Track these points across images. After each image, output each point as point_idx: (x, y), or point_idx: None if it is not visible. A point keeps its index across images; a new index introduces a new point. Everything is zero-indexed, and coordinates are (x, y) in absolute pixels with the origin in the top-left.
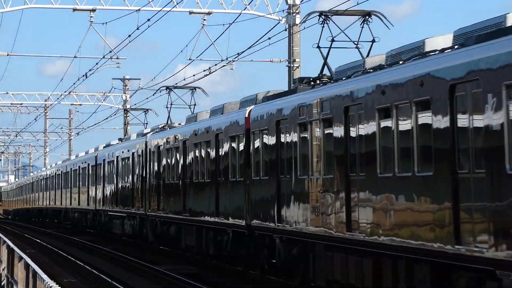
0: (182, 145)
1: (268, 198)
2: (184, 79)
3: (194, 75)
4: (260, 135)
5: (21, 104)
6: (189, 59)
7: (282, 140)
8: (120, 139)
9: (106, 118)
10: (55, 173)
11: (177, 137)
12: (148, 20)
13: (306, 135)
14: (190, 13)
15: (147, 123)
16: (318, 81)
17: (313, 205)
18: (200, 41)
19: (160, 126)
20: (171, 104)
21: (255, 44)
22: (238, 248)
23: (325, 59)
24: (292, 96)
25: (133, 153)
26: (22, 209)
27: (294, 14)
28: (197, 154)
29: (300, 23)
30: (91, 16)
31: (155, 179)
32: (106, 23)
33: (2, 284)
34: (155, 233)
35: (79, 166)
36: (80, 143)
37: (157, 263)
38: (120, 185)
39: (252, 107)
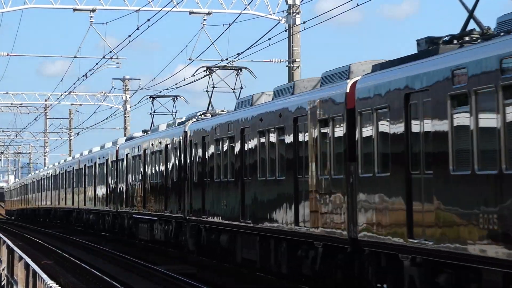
0: (240, 134)
1: (389, 203)
2: (184, 79)
3: (194, 75)
4: (373, 116)
5: (21, 104)
6: (189, 59)
7: (415, 121)
8: (145, 131)
9: (106, 118)
10: (66, 170)
11: (230, 124)
12: (148, 20)
13: (466, 111)
14: (190, 13)
15: (176, 112)
16: (466, 39)
17: (490, 218)
18: (200, 41)
19: (198, 114)
20: (213, 87)
21: (255, 44)
22: (331, 267)
23: (472, 11)
24: (434, 59)
25: (166, 146)
26: (27, 209)
27: (294, 14)
28: (263, 144)
29: None
30: (91, 16)
31: (199, 176)
32: (106, 23)
33: (2, 284)
34: (197, 241)
35: (95, 162)
36: (80, 143)
37: (157, 263)
38: (149, 184)
39: (357, 78)
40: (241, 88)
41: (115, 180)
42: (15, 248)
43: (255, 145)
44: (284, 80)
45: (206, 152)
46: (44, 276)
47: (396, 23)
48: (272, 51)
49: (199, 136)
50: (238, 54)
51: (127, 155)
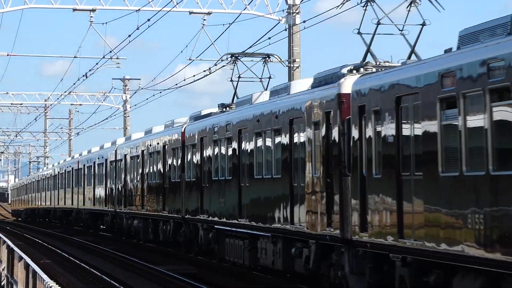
0: None
1: None
2: (184, 79)
3: (194, 75)
4: None
5: (21, 104)
6: (189, 59)
7: None
8: (223, 105)
9: (106, 118)
10: (94, 163)
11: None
12: (148, 20)
13: None
14: (190, 13)
15: (269, 77)
16: None
17: None
18: (200, 41)
19: (349, 68)
20: (379, 22)
21: (255, 44)
22: None
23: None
24: None
25: (291, 121)
26: (38, 209)
27: (294, 14)
28: None
29: None
30: (91, 16)
31: (384, 167)
32: (106, 23)
33: (2, 284)
34: (380, 281)
35: (142, 151)
36: (80, 143)
37: (157, 263)
38: (248, 180)
39: None
40: (424, 25)
41: (180, 175)
42: (15, 248)
43: None
44: (284, 80)
45: (413, 125)
46: (44, 276)
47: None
48: (272, 51)
49: (384, 100)
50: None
51: (201, 139)
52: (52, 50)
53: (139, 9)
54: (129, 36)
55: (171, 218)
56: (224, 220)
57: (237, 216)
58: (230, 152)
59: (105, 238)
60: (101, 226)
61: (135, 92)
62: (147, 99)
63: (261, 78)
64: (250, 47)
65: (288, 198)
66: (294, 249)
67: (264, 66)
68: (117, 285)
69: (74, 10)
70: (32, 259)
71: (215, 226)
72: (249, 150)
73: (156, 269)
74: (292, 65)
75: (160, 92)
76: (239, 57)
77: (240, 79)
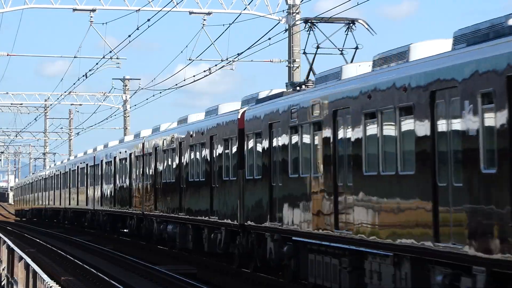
0: None
1: None
2: (184, 79)
3: (194, 75)
4: None
5: (21, 104)
6: (189, 59)
7: None
8: (294, 85)
9: (106, 119)
10: (115, 158)
11: None
12: (148, 20)
13: None
14: (190, 13)
15: (356, 47)
16: None
17: None
18: (200, 41)
19: None
20: None
21: (255, 44)
22: None
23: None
24: None
25: (432, 93)
26: (46, 209)
27: (294, 14)
28: None
29: None
30: (91, 16)
31: None
32: (106, 23)
33: (2, 284)
34: None
35: (180, 143)
36: (80, 143)
37: (157, 263)
38: (354, 179)
39: None
40: None
41: (232, 170)
42: (15, 248)
43: None
44: (284, 80)
45: None
46: (44, 276)
47: (395, 23)
48: (272, 51)
49: None
50: (238, 54)
51: (270, 125)
52: (52, 50)
53: (139, 9)
54: (129, 36)
55: (223, 225)
56: (310, 229)
57: (332, 226)
58: (317, 141)
59: (106, 238)
60: (122, 230)
61: (135, 92)
62: (147, 99)
63: (342, 49)
64: (249, 47)
65: (430, 204)
66: (441, 277)
67: (347, 34)
68: (117, 285)
69: (74, 10)
70: (32, 259)
71: (293, 238)
72: (352, 138)
73: (156, 269)
74: (292, 65)
75: (160, 92)
76: (316, 23)
77: (317, 51)
